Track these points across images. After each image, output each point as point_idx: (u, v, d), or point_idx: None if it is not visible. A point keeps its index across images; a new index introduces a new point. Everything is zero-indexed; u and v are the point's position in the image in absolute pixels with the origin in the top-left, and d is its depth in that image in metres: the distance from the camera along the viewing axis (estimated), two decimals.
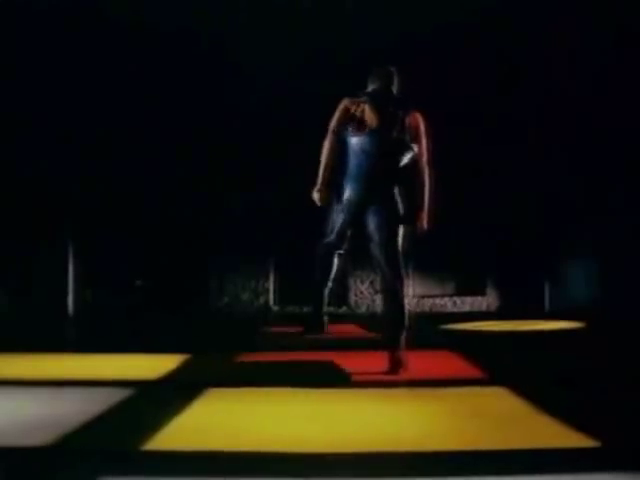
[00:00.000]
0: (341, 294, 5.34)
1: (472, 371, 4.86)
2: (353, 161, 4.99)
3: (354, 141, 4.99)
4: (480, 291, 9.81)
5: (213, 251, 9.53)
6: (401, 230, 4.90)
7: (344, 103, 5.05)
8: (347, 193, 4.95)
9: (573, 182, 9.34)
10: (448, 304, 9.78)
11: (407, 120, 5.00)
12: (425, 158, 5.02)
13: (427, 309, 9.73)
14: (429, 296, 9.79)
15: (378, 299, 9.67)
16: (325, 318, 5.10)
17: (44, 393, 4.24)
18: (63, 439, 3.08)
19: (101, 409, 3.66)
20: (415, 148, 4.97)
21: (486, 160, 9.48)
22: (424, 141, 5.03)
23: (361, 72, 5.35)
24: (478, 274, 9.82)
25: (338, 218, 4.98)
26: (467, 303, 9.79)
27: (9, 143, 8.97)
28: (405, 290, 4.81)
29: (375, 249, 4.86)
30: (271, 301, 9.66)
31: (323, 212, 5.10)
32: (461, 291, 9.84)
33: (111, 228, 9.34)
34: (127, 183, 9.26)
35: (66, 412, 3.62)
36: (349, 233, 4.95)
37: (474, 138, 9.36)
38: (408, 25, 8.62)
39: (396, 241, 4.87)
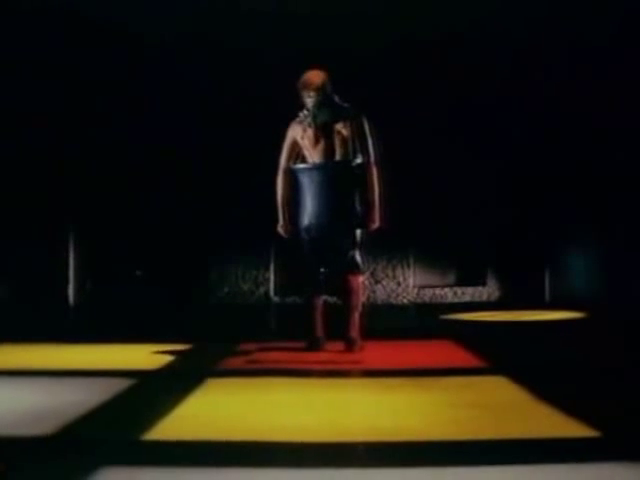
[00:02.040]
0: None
1: (472, 361, 4.86)
2: (305, 191, 5.21)
3: (304, 172, 5.22)
4: (481, 281, 9.79)
5: (213, 241, 9.52)
6: (359, 234, 5.19)
7: (290, 136, 5.30)
8: (305, 220, 5.20)
9: (574, 171, 9.32)
10: (448, 294, 9.77)
11: (351, 124, 5.18)
12: (372, 158, 5.20)
13: (427, 299, 9.72)
14: (429, 286, 9.78)
15: (378, 289, 9.67)
16: (322, 336, 5.25)
17: (44, 383, 4.24)
18: (63, 429, 3.08)
19: (101, 399, 3.66)
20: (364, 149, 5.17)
21: (486, 150, 9.46)
22: (369, 141, 5.22)
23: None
24: (479, 264, 9.81)
25: (306, 244, 5.23)
26: (468, 293, 9.78)
27: (9, 133, 8.95)
28: (361, 285, 5.26)
29: (335, 256, 5.14)
30: (271, 291, 9.66)
31: None
32: (462, 281, 9.82)
33: (111, 217, 9.33)
34: (128, 172, 9.25)
35: (66, 402, 3.62)
36: (322, 254, 5.18)
37: (471, 129, 9.34)
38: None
39: (355, 244, 5.16)
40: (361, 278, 5.26)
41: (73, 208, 9.34)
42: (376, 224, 5.17)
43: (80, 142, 9.20)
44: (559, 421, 3.15)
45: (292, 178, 5.28)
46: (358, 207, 5.17)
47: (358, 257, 5.18)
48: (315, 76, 5.24)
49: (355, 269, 5.18)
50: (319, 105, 5.20)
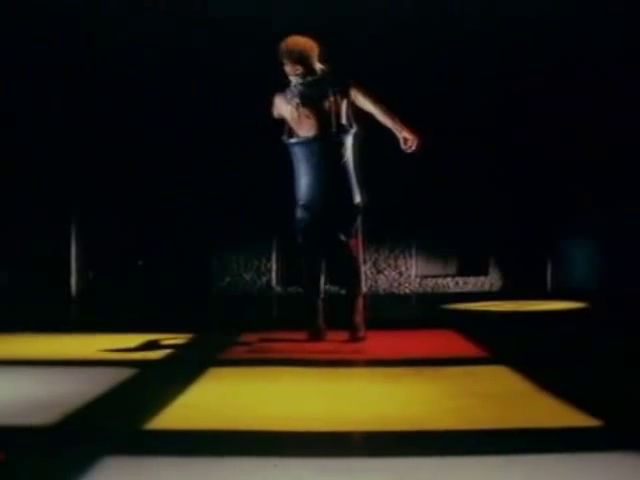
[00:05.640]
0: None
1: (474, 350, 4.86)
2: (300, 167, 5.03)
3: (297, 148, 5.01)
4: (483, 271, 9.79)
5: (215, 230, 9.52)
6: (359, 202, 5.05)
7: (277, 115, 5.06)
8: (306, 196, 5.03)
9: (574, 162, 9.30)
10: (450, 284, 9.77)
11: (341, 95, 4.95)
12: (373, 99, 4.97)
13: (429, 289, 9.72)
14: (431, 276, 9.78)
15: (380, 279, 9.67)
16: (323, 326, 5.22)
17: (46, 373, 4.24)
18: (65, 419, 3.08)
19: (103, 389, 3.67)
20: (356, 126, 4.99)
21: (487, 140, 9.45)
22: (368, 95, 4.98)
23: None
24: (481, 254, 9.80)
25: (302, 221, 5.10)
26: (469, 283, 9.78)
27: (10, 125, 8.95)
28: (361, 268, 5.19)
29: (333, 235, 5.03)
30: (273, 281, 9.65)
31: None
32: (463, 271, 9.82)
33: (113, 207, 9.33)
34: (128, 163, 9.24)
35: (68, 392, 3.63)
36: (319, 235, 5.07)
37: (473, 120, 9.33)
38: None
39: (353, 226, 5.06)
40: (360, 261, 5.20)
41: (75, 197, 9.34)
42: (415, 144, 4.93)
43: (82, 131, 9.19)
44: (560, 410, 3.15)
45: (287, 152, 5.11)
46: (354, 182, 5.03)
47: (355, 243, 5.10)
48: (305, 45, 4.92)
49: (353, 257, 5.10)
50: (308, 84, 4.95)
